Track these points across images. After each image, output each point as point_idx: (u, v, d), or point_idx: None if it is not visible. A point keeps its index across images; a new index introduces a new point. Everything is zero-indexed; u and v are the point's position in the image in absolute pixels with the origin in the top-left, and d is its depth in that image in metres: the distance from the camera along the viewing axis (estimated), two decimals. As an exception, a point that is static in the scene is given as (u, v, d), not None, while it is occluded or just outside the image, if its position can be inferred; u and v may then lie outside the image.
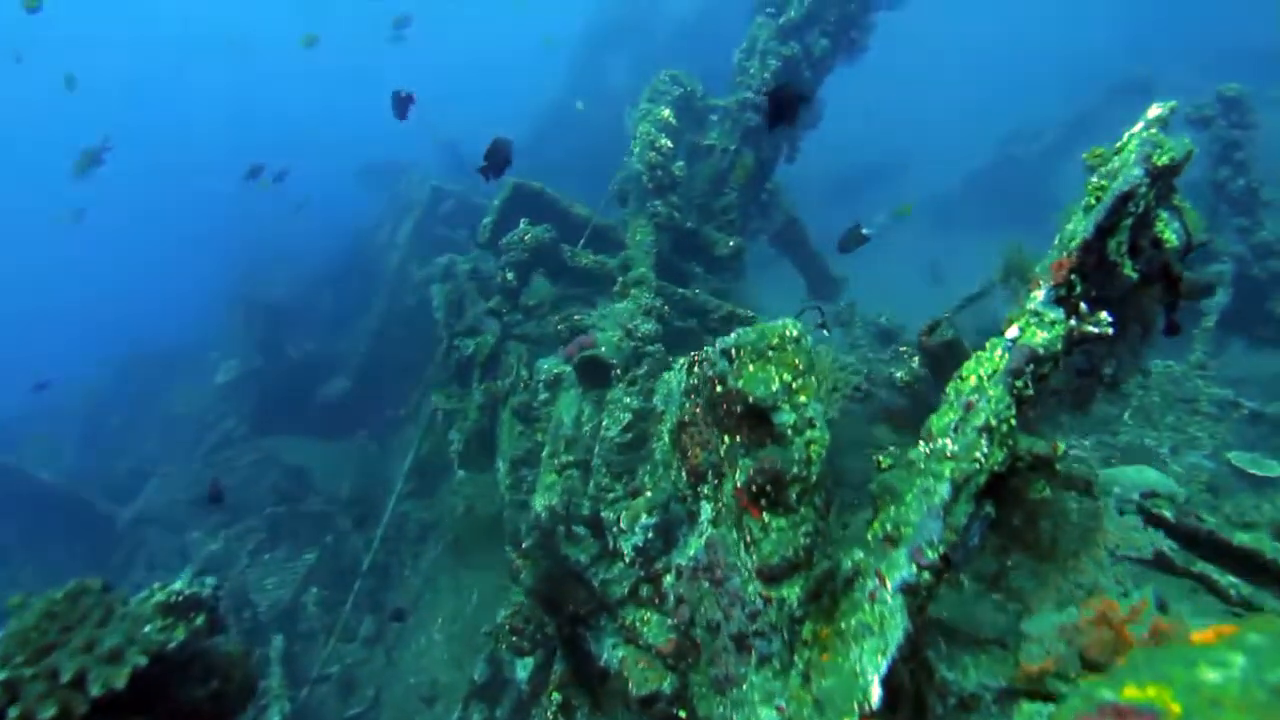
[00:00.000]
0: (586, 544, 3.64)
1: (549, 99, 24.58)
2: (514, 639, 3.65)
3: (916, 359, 4.55)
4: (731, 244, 8.60)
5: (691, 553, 2.87)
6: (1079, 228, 2.49)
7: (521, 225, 6.59)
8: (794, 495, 2.41)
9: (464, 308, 8.53)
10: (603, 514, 3.54)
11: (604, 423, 3.83)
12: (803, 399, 2.40)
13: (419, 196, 16.38)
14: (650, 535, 3.14)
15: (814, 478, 2.39)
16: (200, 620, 2.67)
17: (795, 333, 2.54)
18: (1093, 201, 2.50)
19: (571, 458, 4.04)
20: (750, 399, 2.42)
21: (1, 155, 43.05)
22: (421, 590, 9.20)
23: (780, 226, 10.39)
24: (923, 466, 2.15)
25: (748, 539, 2.42)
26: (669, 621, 2.95)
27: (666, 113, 8.00)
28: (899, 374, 4.76)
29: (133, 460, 17.14)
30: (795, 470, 2.39)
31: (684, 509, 3.02)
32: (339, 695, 9.24)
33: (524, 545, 3.99)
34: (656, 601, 3.10)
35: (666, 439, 3.25)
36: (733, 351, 2.56)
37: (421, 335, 13.75)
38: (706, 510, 2.86)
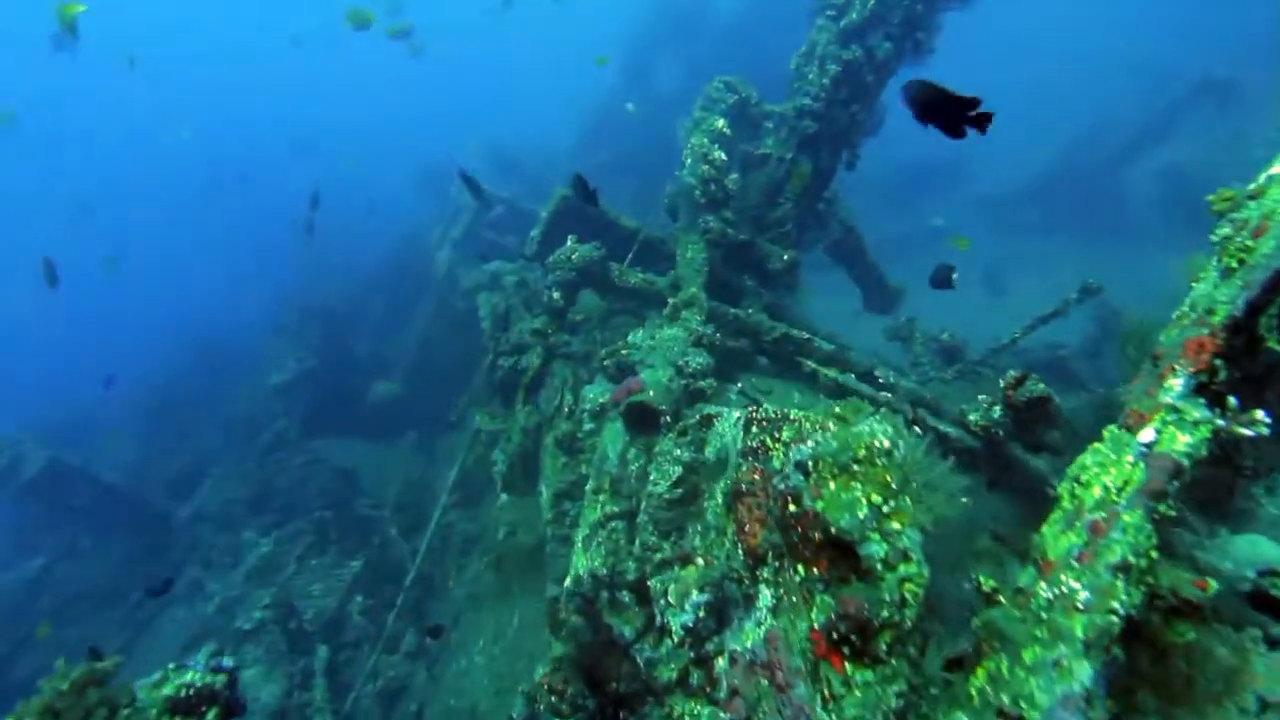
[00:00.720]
0: (631, 614, 3.37)
1: (598, 101, 24.45)
2: (553, 699, 3.43)
3: (997, 408, 4.16)
4: (786, 257, 8.24)
5: (749, 643, 2.56)
6: (1220, 297, 2.10)
7: (569, 243, 6.36)
8: (884, 644, 2.07)
9: (510, 321, 8.36)
10: (650, 582, 3.26)
11: (652, 476, 3.54)
12: (896, 525, 2.06)
13: (469, 201, 16.36)
14: (702, 614, 2.86)
15: (909, 623, 2.05)
16: (212, 715, 2.50)
17: (886, 443, 2.18)
18: (1233, 264, 2.10)
19: (616, 508, 3.76)
20: (832, 528, 2.10)
21: (75, 153, 44.90)
22: (464, 606, 9.10)
23: (838, 238, 9.93)
24: (1044, 615, 1.80)
25: (826, 694, 2.10)
26: (722, 716, 2.66)
27: (720, 123, 7.68)
28: (973, 416, 4.37)
29: (193, 457, 17.59)
30: (886, 614, 2.04)
31: (740, 590, 2.73)
32: (381, 710, 9.22)
33: (563, 603, 3.77)
34: (708, 690, 2.81)
35: (720, 499, 2.96)
36: (809, 464, 2.23)
37: (470, 340, 13.74)
38: (766, 597, 2.55)
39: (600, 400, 5.40)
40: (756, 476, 2.69)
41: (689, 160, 7.39)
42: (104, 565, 15.72)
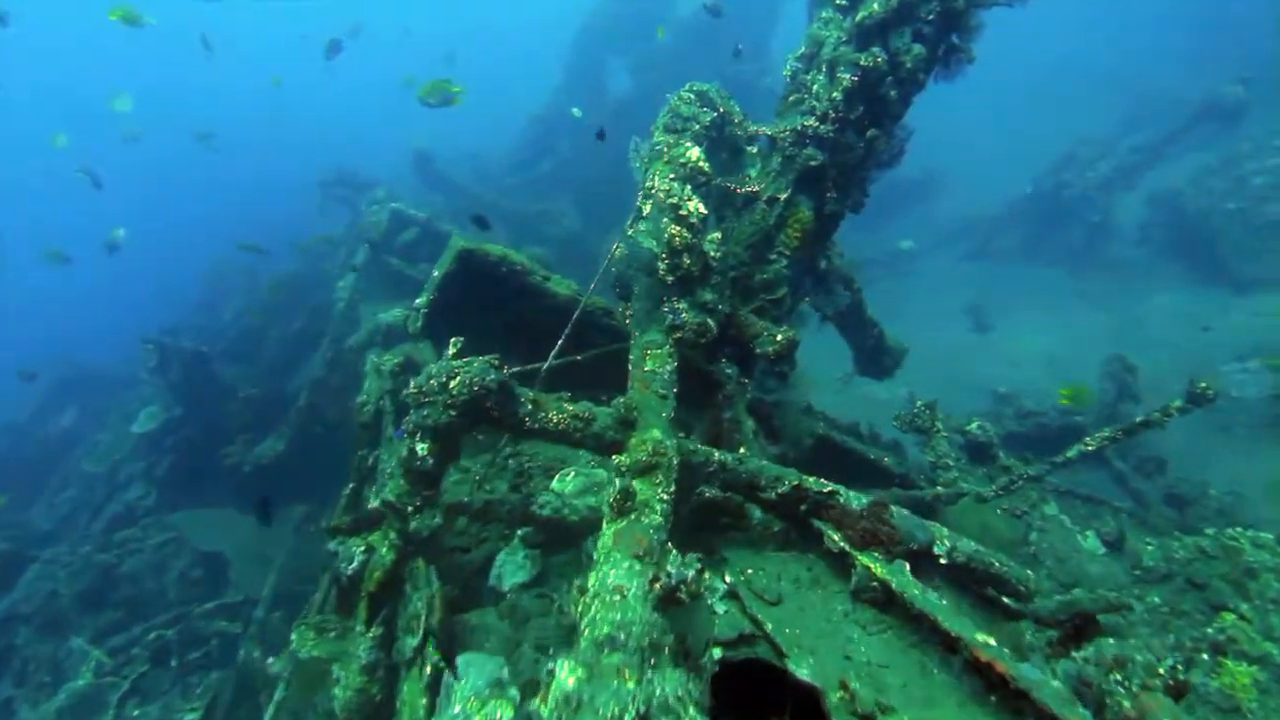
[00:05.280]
0: None
1: (540, 104, 21.70)
2: None
3: None
4: (780, 338, 5.75)
5: None
6: None
7: (445, 359, 3.74)
8: None
9: (380, 430, 5.70)
10: None
11: None
12: None
13: (379, 220, 13.50)
14: None
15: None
16: None
17: None
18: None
19: None
20: None
21: None
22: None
23: (844, 305, 7.54)
24: None
25: None
26: None
27: (695, 153, 5.16)
28: None
29: (23, 531, 14.20)
30: None
31: None
32: None
33: None
34: None
35: None
36: None
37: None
38: None
39: (491, 682, 2.82)
40: None
41: (648, 209, 4.85)
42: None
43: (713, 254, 4.67)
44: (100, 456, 14.92)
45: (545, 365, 5.46)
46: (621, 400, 4.04)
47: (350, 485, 5.59)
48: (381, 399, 5.73)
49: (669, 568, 2.80)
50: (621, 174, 6.66)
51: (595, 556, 3.12)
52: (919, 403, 7.87)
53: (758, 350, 5.85)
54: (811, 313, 8.95)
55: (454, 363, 3.71)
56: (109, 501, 13.38)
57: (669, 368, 4.31)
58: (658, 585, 2.73)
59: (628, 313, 4.82)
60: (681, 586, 2.76)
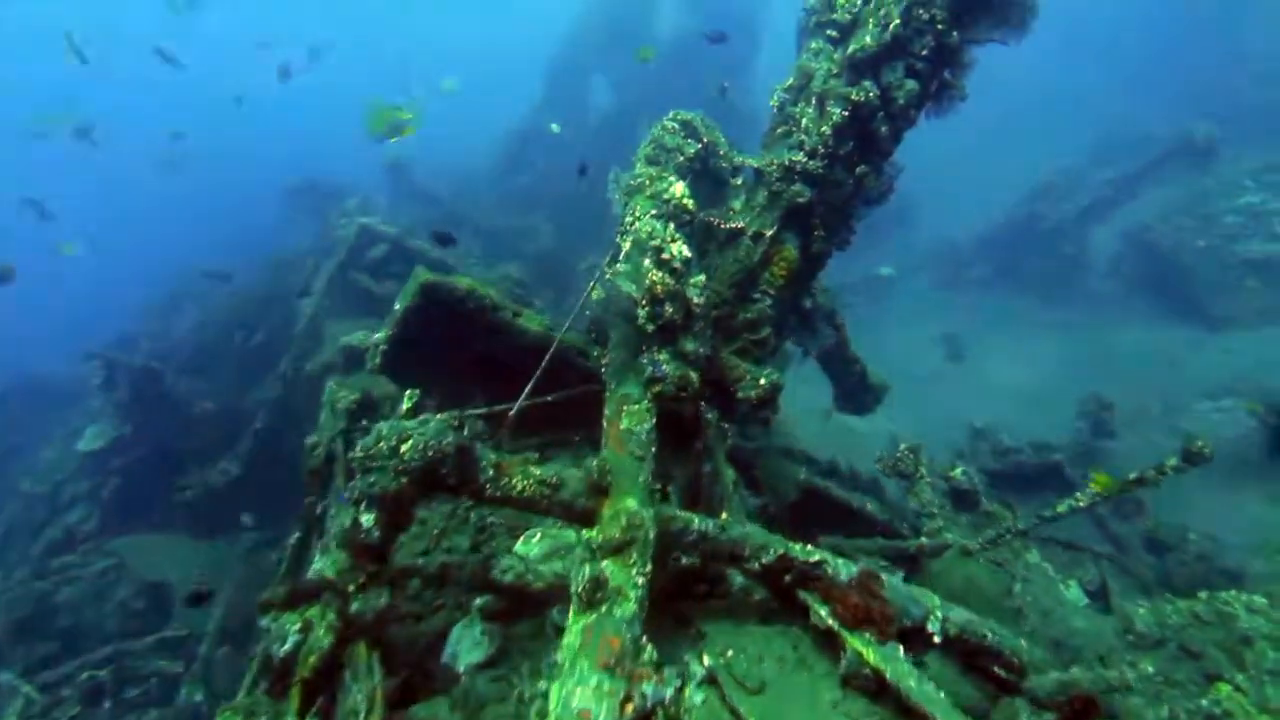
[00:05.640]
0: None
1: (521, 118, 21.36)
2: None
3: None
4: (764, 382, 5.45)
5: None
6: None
7: (397, 417, 3.36)
8: None
9: (331, 480, 5.25)
10: None
11: None
12: None
13: (345, 235, 13.01)
14: None
15: None
16: None
17: None
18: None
19: None
20: None
21: None
22: None
23: (829, 345, 7.25)
24: None
25: None
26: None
27: (679, 189, 4.84)
28: None
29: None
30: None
31: None
32: None
33: None
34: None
35: None
36: None
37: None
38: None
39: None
40: None
41: (629, 247, 4.51)
42: None
43: (696, 300, 4.33)
44: (42, 475, 14.14)
45: (514, 408, 5.08)
46: (594, 463, 3.68)
47: (297, 535, 5.14)
48: (334, 440, 5.30)
49: (644, 687, 2.43)
50: (599, 191, 6.38)
51: (559, 659, 2.74)
52: (902, 446, 7.60)
53: (740, 395, 5.53)
54: (794, 350, 8.70)
55: (407, 423, 3.32)
56: (49, 524, 12.63)
57: (646, 426, 3.95)
58: (630, 708, 2.36)
59: (603, 360, 4.46)
60: (658, 709, 2.39)
